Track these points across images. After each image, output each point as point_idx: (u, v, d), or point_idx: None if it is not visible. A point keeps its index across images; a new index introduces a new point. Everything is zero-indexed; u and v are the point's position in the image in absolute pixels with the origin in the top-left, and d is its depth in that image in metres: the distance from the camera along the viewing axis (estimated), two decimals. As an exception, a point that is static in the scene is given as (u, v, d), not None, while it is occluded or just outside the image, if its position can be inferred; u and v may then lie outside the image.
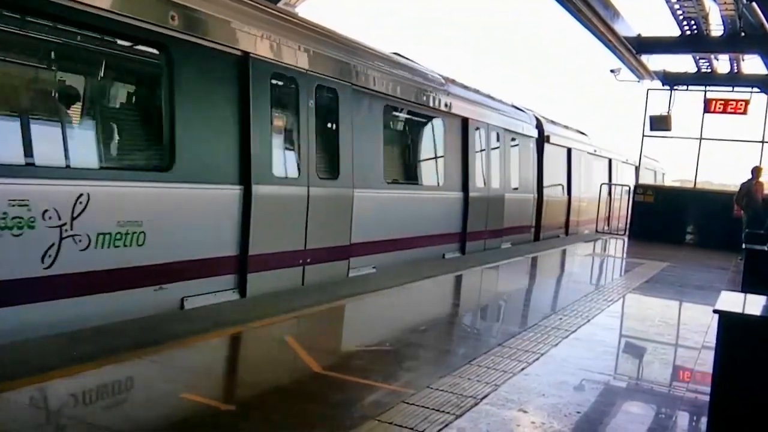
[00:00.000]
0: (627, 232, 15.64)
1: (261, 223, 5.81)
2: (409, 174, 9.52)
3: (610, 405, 3.66)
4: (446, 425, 3.03)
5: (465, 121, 10.15)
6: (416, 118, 9.47)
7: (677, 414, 3.61)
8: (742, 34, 12.21)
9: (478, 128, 10.60)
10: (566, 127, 15.72)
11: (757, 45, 12.53)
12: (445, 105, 9.51)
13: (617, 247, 13.71)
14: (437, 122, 9.68)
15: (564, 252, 11.69)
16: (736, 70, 15.06)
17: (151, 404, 3.14)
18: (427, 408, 3.22)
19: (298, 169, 6.50)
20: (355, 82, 7.33)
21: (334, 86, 7.01)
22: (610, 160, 19.05)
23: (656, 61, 15.15)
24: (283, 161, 6.46)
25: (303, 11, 12.80)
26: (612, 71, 15.22)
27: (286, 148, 6.62)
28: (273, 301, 5.50)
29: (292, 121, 6.62)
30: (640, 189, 15.43)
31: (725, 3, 11.29)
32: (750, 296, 3.47)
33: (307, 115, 6.58)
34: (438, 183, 9.60)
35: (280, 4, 10.27)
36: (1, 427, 2.73)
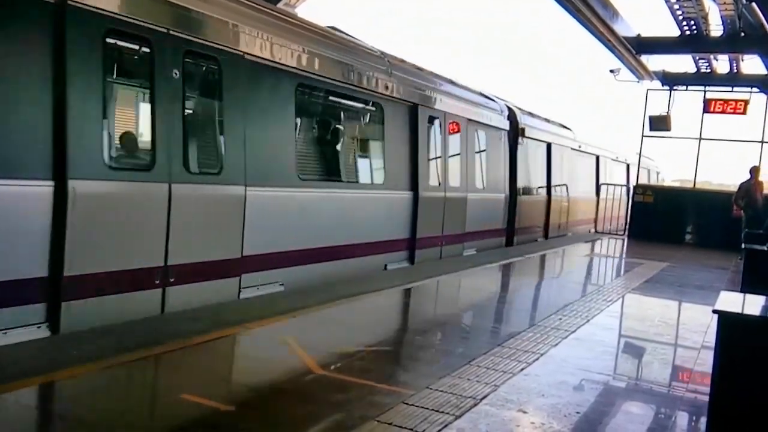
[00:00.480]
0: (626, 232, 15.64)
1: (84, 232, 4.32)
2: (337, 170, 7.86)
3: (609, 405, 3.66)
4: (446, 426, 3.03)
5: (414, 109, 8.66)
6: (347, 103, 7.91)
7: (677, 414, 3.61)
8: (742, 34, 12.21)
9: (432, 117, 9.13)
10: (547, 120, 14.36)
11: (757, 45, 12.53)
12: (387, 87, 8.00)
13: (616, 247, 13.71)
14: (376, 108, 8.12)
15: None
16: (735, 71, 15.06)
17: (152, 404, 3.14)
18: (427, 408, 3.21)
19: (153, 159, 4.92)
20: (250, 51, 5.75)
21: (214, 54, 5.46)
22: (597, 157, 17.77)
23: (656, 62, 15.15)
24: (125, 147, 5.22)
25: (303, 11, 12.81)
26: (612, 71, 15.21)
27: (132, 130, 5.37)
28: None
29: (144, 96, 5.30)
30: (639, 189, 15.44)
31: (725, 3, 11.29)
32: (749, 296, 3.47)
33: (169, 88, 5.02)
34: (377, 181, 8.18)
35: (280, 5, 10.23)
36: (2, 428, 2.73)
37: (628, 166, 20.83)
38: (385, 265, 8.06)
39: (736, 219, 12.50)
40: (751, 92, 14.60)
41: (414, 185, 8.62)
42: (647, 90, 15.71)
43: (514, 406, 3.36)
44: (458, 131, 9.98)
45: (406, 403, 3.27)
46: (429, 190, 8.95)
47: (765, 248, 6.83)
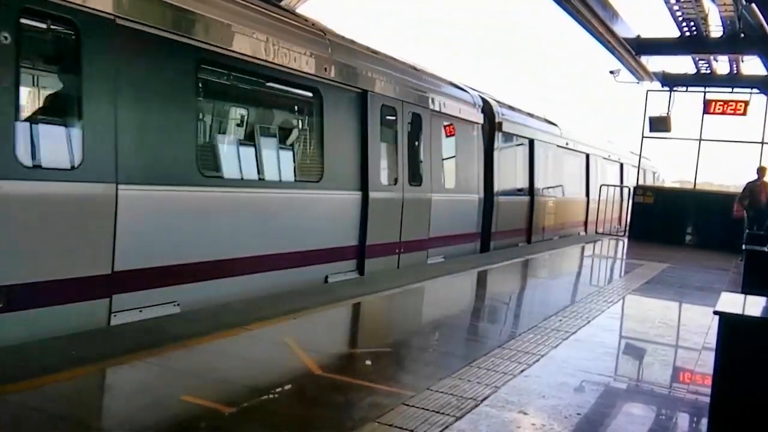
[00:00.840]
0: (626, 233, 15.64)
1: None
2: (258, 166, 6.63)
3: (610, 406, 3.66)
4: (446, 427, 3.02)
5: (363, 96, 7.45)
6: (273, 86, 6.77)
7: (677, 415, 3.60)
8: (742, 35, 12.22)
9: (386, 106, 7.93)
10: (530, 114, 13.28)
11: (757, 46, 12.53)
12: (326, 70, 6.81)
13: (617, 248, 13.70)
14: (313, 94, 6.89)
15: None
16: (735, 71, 15.07)
17: (153, 406, 3.13)
18: (427, 410, 3.21)
19: None
20: (124, 15, 4.63)
21: (67, 15, 4.31)
22: (587, 156, 16.66)
23: (656, 62, 15.17)
24: None
25: (304, 11, 12.77)
26: (611, 72, 15.22)
27: None
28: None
29: None
30: (639, 190, 15.44)
31: (724, 4, 11.29)
32: (750, 297, 3.47)
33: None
34: (313, 179, 6.87)
35: (282, 4, 10.15)
36: (2, 429, 2.73)
37: (621, 165, 20.25)
38: (326, 277, 6.93)
39: (737, 220, 12.49)
40: (751, 93, 14.61)
41: (363, 185, 7.43)
42: (647, 91, 15.74)
43: (514, 408, 3.36)
44: (420, 124, 8.79)
45: (407, 405, 3.26)
46: (381, 191, 7.76)
47: (766, 249, 6.82)
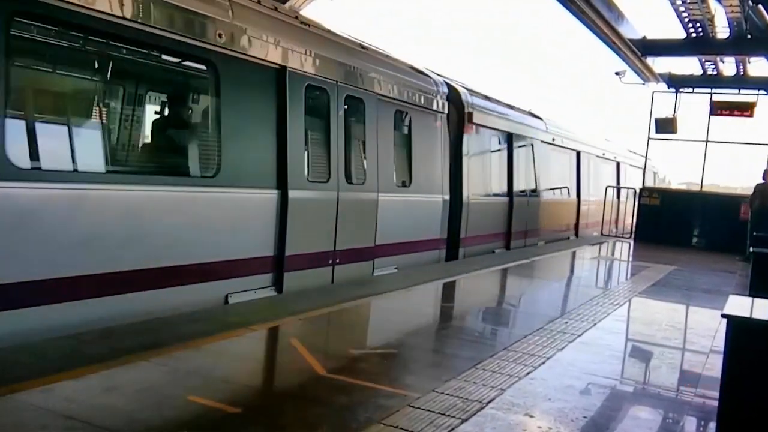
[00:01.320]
0: (633, 235, 15.58)
1: None
2: (112, 156, 5.51)
3: (617, 410, 3.63)
4: (452, 429, 3.01)
5: (281, 73, 6.12)
6: (139, 52, 5.37)
7: (685, 419, 3.57)
8: (748, 36, 12.16)
9: (313, 87, 6.56)
10: (509, 106, 11.98)
11: (764, 47, 12.49)
12: (222, 36, 5.42)
13: (623, 250, 13.65)
14: (207, 67, 5.56)
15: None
16: (742, 73, 15.02)
17: (158, 406, 3.14)
18: (432, 412, 3.20)
19: None
20: None
21: None
22: (578, 153, 15.38)
23: (662, 64, 15.12)
24: None
25: (308, 12, 12.83)
26: (617, 74, 15.18)
27: None
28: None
29: None
30: (645, 192, 15.38)
31: (731, 5, 11.25)
32: (758, 300, 3.44)
33: None
34: (205, 173, 5.56)
35: (287, 5, 10.16)
36: (7, 429, 2.74)
37: (618, 164, 19.41)
38: (227, 297, 5.55)
39: (744, 222, 12.43)
40: (758, 94, 14.54)
41: (281, 182, 6.08)
42: (653, 92, 15.68)
43: (520, 410, 3.34)
44: (362, 111, 7.44)
45: (412, 406, 3.25)
46: (306, 189, 6.42)
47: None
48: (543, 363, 4.22)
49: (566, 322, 5.50)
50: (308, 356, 4.07)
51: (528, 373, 3.96)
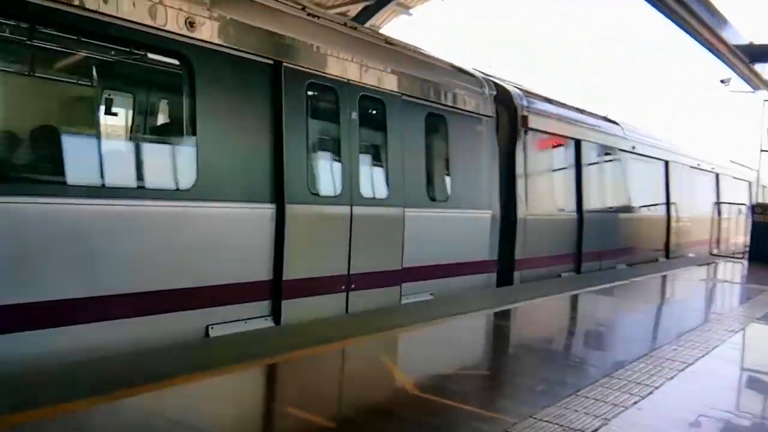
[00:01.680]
0: (745, 256, 14.35)
1: None
2: (58, 164, 4.27)
3: (738, 446, 3.32)
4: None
5: (275, 69, 5.33)
6: (92, 44, 4.39)
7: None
8: None
9: (317, 86, 5.79)
10: (577, 109, 10.53)
11: None
12: (195, 26, 4.70)
13: (734, 271, 12.59)
14: (176, 60, 4.75)
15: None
16: None
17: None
18: (532, 441, 3.07)
19: None
20: None
21: None
22: (667, 163, 13.68)
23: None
24: None
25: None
26: (722, 81, 14.25)
27: None
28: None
29: None
30: (759, 208, 14.15)
31: None
32: None
33: None
34: (183, 187, 4.71)
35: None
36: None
37: (717, 175, 17.23)
38: (207, 329, 4.76)
39: None
40: None
41: (278, 194, 5.28)
42: (764, 101, 14.51)
43: (627, 443, 3.14)
44: (383, 114, 6.49)
45: (510, 434, 3.14)
46: (309, 203, 5.56)
47: None
48: (651, 393, 3.95)
49: (675, 349, 5.12)
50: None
51: (635, 403, 3.72)
